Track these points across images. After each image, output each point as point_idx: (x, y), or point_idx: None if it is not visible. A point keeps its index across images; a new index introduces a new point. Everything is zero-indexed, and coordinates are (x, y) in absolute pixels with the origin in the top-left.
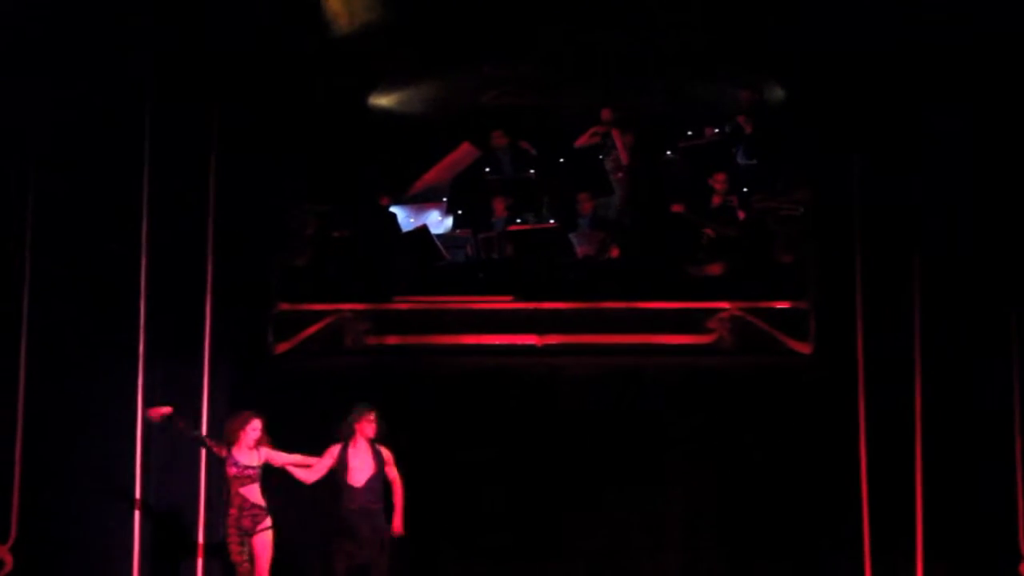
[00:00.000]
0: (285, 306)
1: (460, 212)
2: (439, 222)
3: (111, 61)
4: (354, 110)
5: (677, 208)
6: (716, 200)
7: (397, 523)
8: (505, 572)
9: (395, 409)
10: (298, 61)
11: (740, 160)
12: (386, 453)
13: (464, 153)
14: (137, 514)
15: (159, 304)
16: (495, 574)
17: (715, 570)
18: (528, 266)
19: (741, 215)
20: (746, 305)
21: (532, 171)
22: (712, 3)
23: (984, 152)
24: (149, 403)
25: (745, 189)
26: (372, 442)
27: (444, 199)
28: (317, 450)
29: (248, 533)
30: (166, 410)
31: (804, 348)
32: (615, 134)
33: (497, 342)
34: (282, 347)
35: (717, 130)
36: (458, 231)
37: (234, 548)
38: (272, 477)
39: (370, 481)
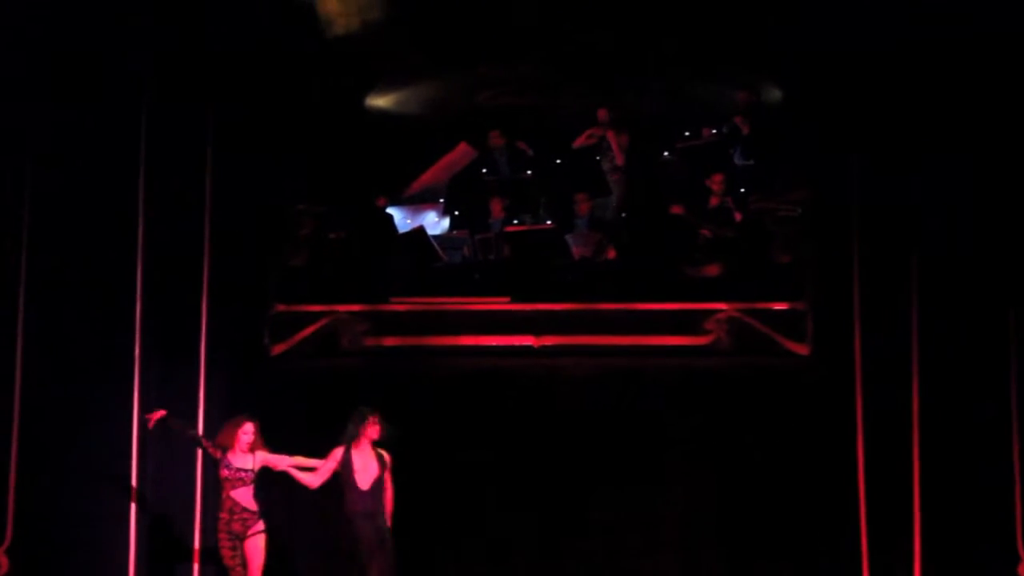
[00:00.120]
0: (281, 307)
1: (457, 213)
2: (436, 223)
3: (108, 60)
4: (351, 110)
5: (677, 210)
6: (713, 201)
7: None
8: (502, 573)
9: (392, 410)
10: (295, 61)
11: (737, 161)
12: (387, 456)
13: (461, 154)
14: (133, 517)
15: (155, 305)
16: (492, 575)
17: (713, 571)
18: (525, 267)
19: (738, 216)
20: (743, 306)
21: (529, 172)
22: (709, 3)
23: (982, 152)
24: (145, 404)
25: (742, 190)
26: (374, 445)
27: (441, 200)
28: (313, 452)
29: (239, 537)
30: (159, 414)
31: (802, 349)
32: (610, 135)
33: (494, 343)
34: (278, 348)
35: (714, 131)
36: (455, 232)
37: (226, 552)
38: (276, 486)
39: (375, 484)
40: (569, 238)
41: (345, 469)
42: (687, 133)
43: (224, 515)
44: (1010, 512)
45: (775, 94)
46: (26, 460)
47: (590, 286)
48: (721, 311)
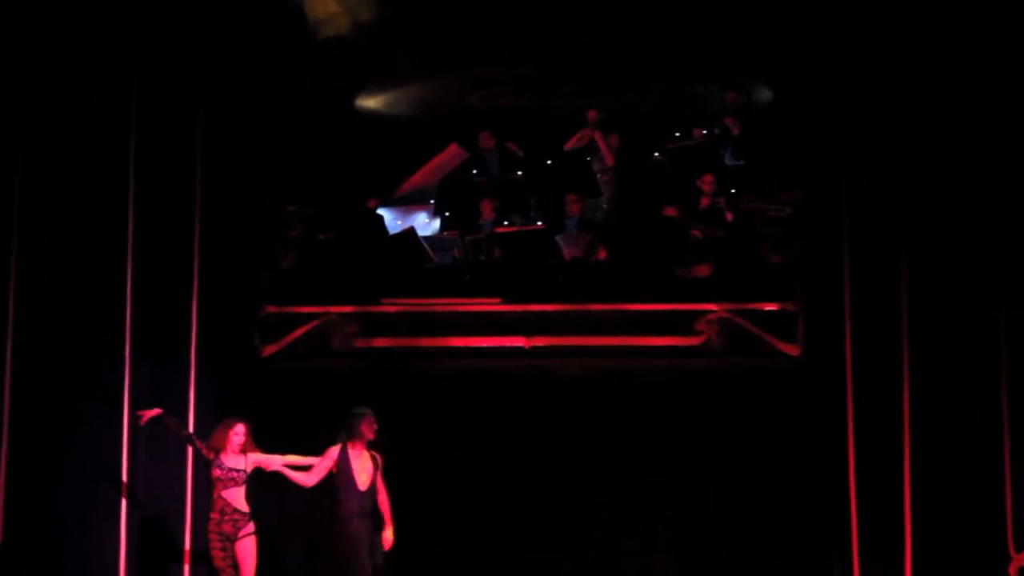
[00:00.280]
0: (272, 308)
1: (447, 214)
2: (426, 224)
3: (97, 61)
4: (341, 111)
5: (671, 212)
6: (704, 201)
7: (389, 534)
8: (494, 573)
9: (383, 411)
10: (285, 62)
11: (728, 161)
12: (379, 457)
13: (451, 155)
14: (124, 518)
15: (145, 306)
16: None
17: (705, 570)
18: (516, 268)
19: (729, 216)
20: (734, 307)
21: (520, 173)
22: (699, 5)
23: (974, 154)
24: (135, 406)
25: (733, 190)
26: (368, 445)
27: (431, 201)
28: (304, 454)
29: (230, 539)
30: (155, 412)
31: (792, 350)
32: (597, 136)
33: (485, 344)
34: (269, 350)
35: (705, 131)
36: (445, 233)
37: (216, 554)
38: (267, 487)
39: (370, 484)
40: (560, 239)
41: (342, 468)
42: (678, 134)
43: (215, 516)
44: (1000, 513)
45: (765, 94)
46: (16, 462)
47: (581, 287)
48: (712, 312)
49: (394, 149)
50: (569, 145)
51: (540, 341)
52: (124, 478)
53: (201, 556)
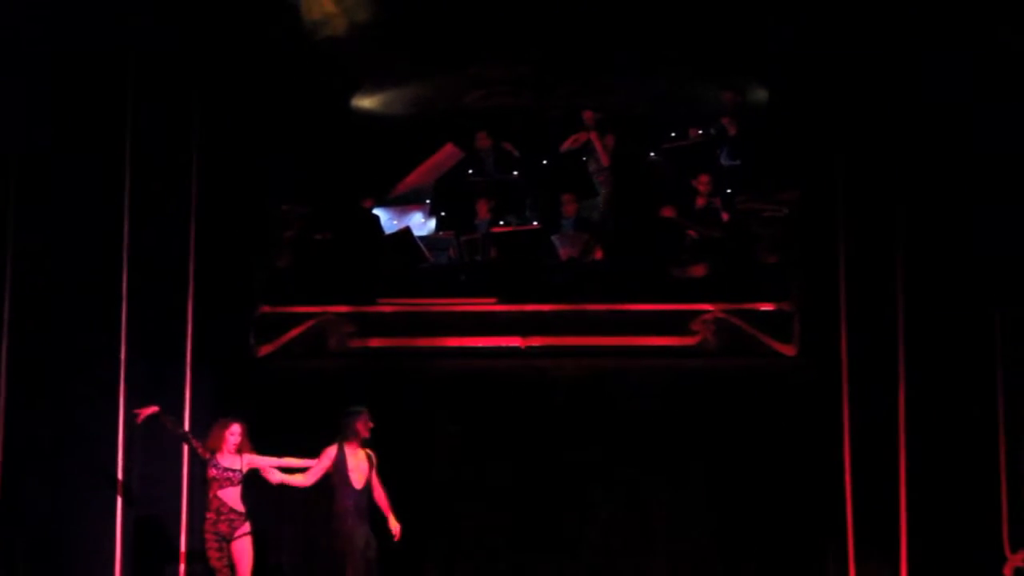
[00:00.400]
0: (268, 308)
1: (443, 214)
2: (422, 224)
3: (93, 60)
4: (337, 111)
5: (666, 212)
6: (700, 202)
7: (394, 523)
8: (491, 573)
9: (379, 411)
10: (281, 62)
11: (724, 161)
12: (373, 456)
13: (447, 155)
14: (119, 517)
15: (141, 306)
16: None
17: (701, 570)
18: (512, 268)
19: (725, 216)
20: (730, 307)
21: (516, 173)
22: (696, 5)
23: (969, 153)
24: (131, 406)
25: (729, 190)
26: (363, 443)
27: (427, 201)
28: (300, 454)
29: (226, 539)
30: (152, 410)
31: (788, 350)
32: (593, 136)
33: (481, 344)
34: (265, 349)
35: (701, 131)
36: (441, 233)
37: (212, 554)
38: (263, 488)
39: (367, 482)
40: (556, 239)
41: (339, 468)
42: (673, 134)
43: (211, 515)
44: (996, 512)
45: (762, 95)
46: (12, 461)
47: (577, 287)
48: (708, 312)
49: (390, 149)
50: (565, 146)
51: (536, 341)
52: (120, 477)
53: (197, 556)
